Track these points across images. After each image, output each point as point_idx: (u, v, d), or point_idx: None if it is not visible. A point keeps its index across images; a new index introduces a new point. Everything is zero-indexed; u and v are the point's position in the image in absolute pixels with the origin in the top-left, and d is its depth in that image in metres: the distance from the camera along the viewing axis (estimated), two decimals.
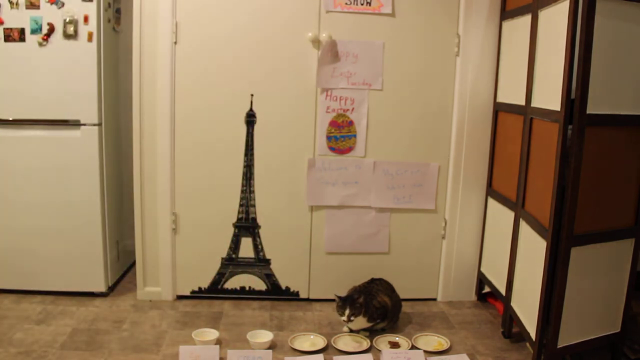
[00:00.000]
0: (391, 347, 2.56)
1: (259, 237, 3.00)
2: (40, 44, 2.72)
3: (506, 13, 2.82)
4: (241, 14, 2.79)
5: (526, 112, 2.51)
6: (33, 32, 2.70)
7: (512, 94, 2.70)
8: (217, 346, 2.45)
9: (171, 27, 2.77)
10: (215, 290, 3.04)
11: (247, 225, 2.98)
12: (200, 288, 3.04)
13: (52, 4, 2.68)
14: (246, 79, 2.84)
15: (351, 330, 2.67)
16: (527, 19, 2.53)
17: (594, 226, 2.22)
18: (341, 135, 2.92)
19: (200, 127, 2.87)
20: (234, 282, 3.04)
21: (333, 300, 2.67)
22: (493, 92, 2.93)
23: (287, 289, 3.06)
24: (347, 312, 2.54)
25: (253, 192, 2.95)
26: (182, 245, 2.99)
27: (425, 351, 2.51)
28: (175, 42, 2.80)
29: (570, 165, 2.11)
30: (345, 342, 2.60)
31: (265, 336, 2.57)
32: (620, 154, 2.23)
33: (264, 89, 2.85)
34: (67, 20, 2.69)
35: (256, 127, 2.89)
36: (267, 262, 3.03)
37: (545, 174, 2.28)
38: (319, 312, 2.95)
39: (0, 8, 2.67)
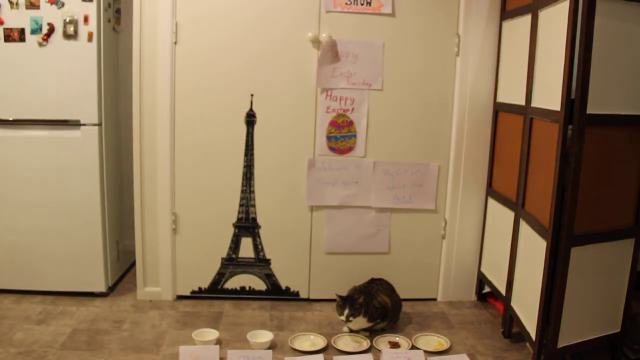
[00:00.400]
0: (391, 347, 2.56)
1: (259, 237, 3.00)
2: (40, 44, 2.72)
3: (506, 13, 2.82)
4: (241, 14, 2.79)
5: (526, 112, 2.51)
6: (33, 32, 2.70)
7: (512, 94, 2.70)
8: (217, 346, 2.45)
9: (171, 27, 2.77)
10: (215, 290, 3.04)
11: (247, 225, 2.98)
12: (200, 288, 3.04)
13: (52, 4, 2.68)
14: (246, 79, 2.84)
15: (351, 330, 2.67)
16: (527, 19, 2.53)
17: (594, 226, 2.22)
18: (341, 135, 2.92)
19: (200, 127, 2.87)
20: (234, 282, 3.04)
21: (333, 300, 2.67)
22: (493, 92, 2.93)
23: (287, 289, 3.06)
24: (346, 312, 2.54)
25: (253, 192, 2.95)
26: (182, 245, 2.99)
27: (425, 351, 2.51)
28: (176, 42, 2.80)
29: (570, 165, 2.11)
30: (345, 342, 2.60)
31: (265, 336, 2.57)
32: (620, 154, 2.23)
33: (264, 89, 2.85)
34: (67, 20, 2.69)
35: (256, 127, 2.89)
36: (267, 262, 3.03)
37: (545, 174, 2.28)
38: (319, 312, 2.95)
39: (0, 8, 2.67)
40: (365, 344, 2.57)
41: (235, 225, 2.98)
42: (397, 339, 2.62)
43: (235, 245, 3.00)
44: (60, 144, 2.82)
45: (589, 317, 2.33)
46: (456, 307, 3.05)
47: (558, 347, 2.24)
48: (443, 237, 3.09)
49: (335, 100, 2.88)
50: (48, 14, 2.69)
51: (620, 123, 2.18)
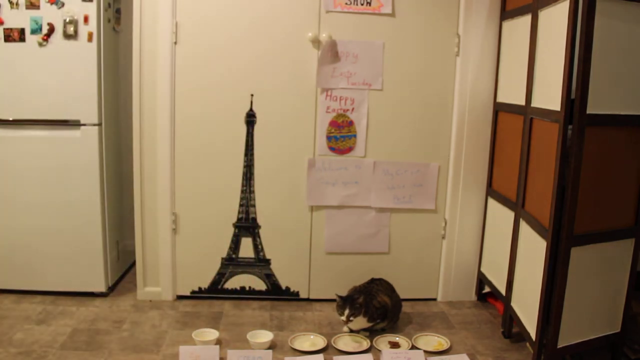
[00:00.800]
0: (391, 347, 2.56)
1: (259, 237, 3.00)
2: (40, 44, 2.72)
3: (506, 13, 2.82)
4: (241, 14, 2.79)
5: (526, 112, 2.51)
6: (33, 32, 2.70)
7: (512, 94, 2.70)
8: (217, 346, 2.44)
9: (171, 27, 2.77)
10: (215, 290, 3.04)
11: (247, 225, 2.98)
12: (200, 288, 3.04)
13: (52, 4, 2.68)
14: (246, 79, 2.84)
15: (351, 330, 2.67)
16: (527, 19, 2.53)
17: (594, 226, 2.22)
18: (341, 135, 2.92)
19: (200, 127, 2.87)
20: (234, 282, 3.04)
21: (333, 300, 2.67)
22: (493, 92, 2.93)
23: (287, 289, 3.06)
24: (346, 312, 2.54)
25: (253, 192, 2.95)
26: (182, 245, 2.99)
27: (425, 351, 2.51)
28: (176, 42, 2.80)
29: (570, 165, 2.11)
30: (345, 342, 2.60)
31: (265, 336, 2.57)
32: (620, 154, 2.23)
33: (264, 89, 2.85)
34: (67, 20, 2.69)
35: (256, 127, 2.89)
36: (267, 262, 3.03)
37: (545, 174, 2.28)
38: (319, 312, 2.95)
39: (0, 8, 2.67)
40: (365, 344, 2.57)
41: (235, 225, 2.98)
42: (397, 339, 2.62)
43: (235, 245, 3.00)
44: (60, 144, 2.82)
45: (589, 317, 2.33)
46: (456, 307, 3.05)
47: (558, 347, 2.24)
48: (443, 237, 3.09)
49: (335, 100, 2.88)
50: (48, 14, 2.69)
51: (620, 123, 2.18)
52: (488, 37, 2.89)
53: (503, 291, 2.73)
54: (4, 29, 2.69)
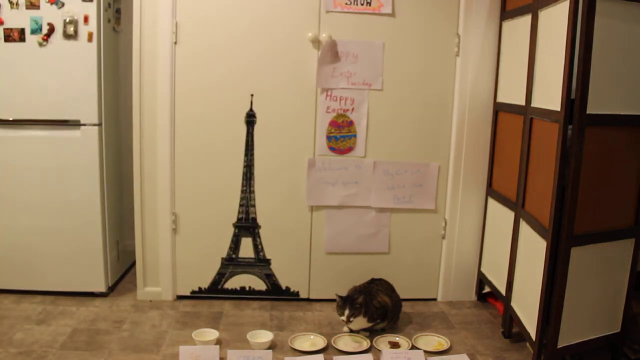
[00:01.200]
0: (391, 347, 2.56)
1: (259, 237, 3.00)
2: (40, 44, 2.72)
3: (506, 13, 2.82)
4: (241, 14, 2.79)
5: (526, 112, 2.51)
6: (33, 32, 2.70)
7: (512, 94, 2.70)
8: (217, 346, 2.44)
9: (171, 27, 2.77)
10: (215, 290, 3.04)
11: (247, 225, 2.98)
12: (200, 288, 3.04)
13: (52, 4, 2.68)
14: (246, 79, 2.84)
15: (351, 330, 2.67)
16: (527, 19, 2.53)
17: (594, 226, 2.22)
18: (341, 135, 2.92)
19: (200, 127, 2.87)
20: (234, 282, 3.04)
21: (333, 300, 2.67)
22: (493, 92, 2.93)
23: (287, 289, 3.06)
24: (346, 312, 2.54)
25: (253, 192, 2.95)
26: (182, 245, 2.99)
27: (425, 351, 2.51)
28: (176, 42, 2.80)
29: (570, 165, 2.11)
30: (345, 342, 2.60)
31: (265, 336, 2.57)
32: (620, 154, 2.23)
33: (264, 89, 2.85)
34: (67, 20, 2.69)
35: (256, 127, 2.89)
36: (267, 262, 3.03)
37: (545, 174, 2.28)
38: (319, 312, 2.95)
39: (0, 8, 2.67)
40: (365, 344, 2.57)
41: (235, 225, 2.98)
42: (397, 339, 2.62)
43: (235, 245, 3.00)
44: (60, 144, 2.82)
45: (589, 317, 2.33)
46: (456, 307, 3.05)
47: (558, 347, 2.24)
48: (443, 237, 3.09)
49: (335, 100, 2.88)
50: (48, 14, 2.69)
51: (620, 123, 2.18)
52: (488, 37, 2.89)
53: (503, 291, 2.73)
54: (4, 29, 2.69)
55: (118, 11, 3.03)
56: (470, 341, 2.67)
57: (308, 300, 3.08)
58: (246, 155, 2.91)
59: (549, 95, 2.26)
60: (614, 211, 2.28)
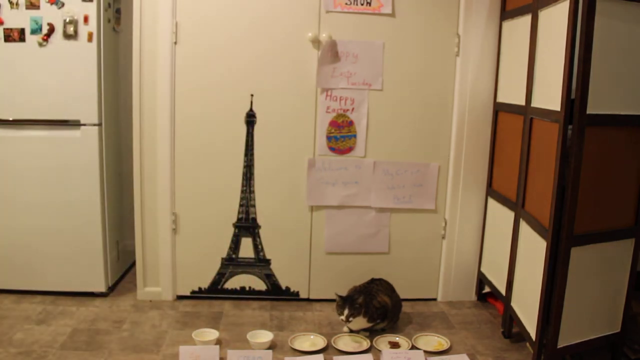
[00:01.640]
0: (391, 347, 2.56)
1: (259, 237, 3.00)
2: (40, 44, 2.72)
3: (506, 13, 2.82)
4: (241, 14, 2.79)
5: (526, 112, 2.51)
6: (33, 32, 2.70)
7: (512, 94, 2.70)
8: (217, 346, 2.45)
9: (171, 27, 2.77)
10: (215, 290, 3.04)
11: (247, 225, 2.98)
12: (200, 288, 3.04)
13: (52, 4, 2.68)
14: (246, 79, 2.84)
15: (351, 330, 2.67)
16: (527, 19, 2.53)
17: (594, 226, 2.22)
18: (341, 135, 2.92)
19: (200, 127, 2.87)
20: (234, 282, 3.04)
21: (333, 300, 2.67)
22: (493, 92, 2.93)
23: (287, 289, 3.06)
24: (346, 312, 2.54)
25: (253, 192, 2.95)
26: (182, 245, 2.99)
27: (425, 351, 2.51)
28: (176, 42, 2.80)
29: (570, 165, 2.11)
30: (345, 342, 2.60)
31: (265, 336, 2.57)
32: (620, 154, 2.23)
33: (264, 89, 2.85)
34: (67, 20, 2.69)
35: (256, 127, 2.89)
36: (267, 262, 3.03)
37: (545, 174, 2.28)
38: (319, 312, 2.95)
39: (0, 8, 2.67)
40: (365, 344, 2.57)
41: (235, 225, 2.98)
42: (397, 339, 2.62)
43: (235, 245, 3.00)
44: (60, 144, 2.82)
45: (589, 317, 2.33)
46: (456, 307, 3.05)
47: (558, 347, 2.24)
48: (443, 237, 3.09)
49: (335, 100, 2.88)
50: (48, 14, 2.69)
51: (620, 123, 2.18)
52: (488, 37, 2.89)
53: (503, 291, 2.73)
54: (4, 29, 2.69)
55: (118, 11, 3.03)
56: (470, 341, 2.67)
57: (308, 300, 3.08)
58: (246, 155, 2.91)
59: (549, 95, 2.26)
60: (614, 211, 2.28)
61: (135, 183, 2.92)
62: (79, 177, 2.85)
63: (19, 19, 2.69)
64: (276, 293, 3.06)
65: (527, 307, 2.45)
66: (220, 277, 3.03)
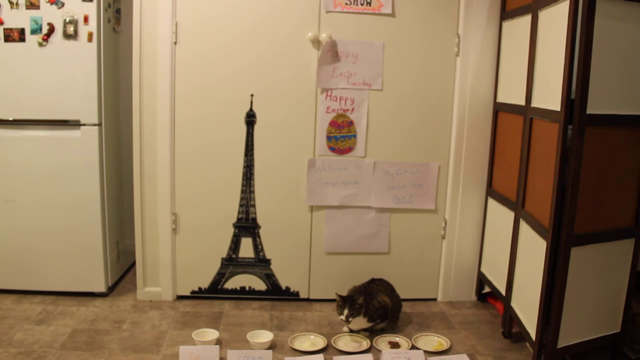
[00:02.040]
0: (391, 347, 2.56)
1: (259, 237, 3.00)
2: (40, 44, 2.72)
3: (506, 13, 2.82)
4: (241, 14, 2.79)
5: (526, 112, 2.51)
6: (33, 32, 2.70)
7: (512, 94, 2.70)
8: (217, 346, 2.45)
9: (171, 27, 2.77)
10: (215, 290, 3.04)
11: (247, 225, 2.98)
12: (200, 288, 3.04)
13: (52, 4, 2.68)
14: (246, 79, 2.84)
15: (351, 330, 2.67)
16: (527, 19, 2.53)
17: (594, 226, 2.22)
18: (341, 135, 2.92)
19: (200, 128, 2.87)
20: (234, 282, 3.04)
21: (333, 300, 2.67)
22: (493, 92, 2.93)
23: (287, 289, 3.06)
24: (345, 312, 2.54)
25: (253, 192, 2.95)
26: (182, 245, 2.99)
27: (425, 351, 2.51)
28: (176, 42, 2.80)
29: (570, 165, 2.11)
30: (345, 342, 2.60)
31: (265, 336, 2.57)
32: (620, 154, 2.23)
33: (264, 89, 2.85)
34: (67, 20, 2.69)
35: (256, 127, 2.89)
36: (267, 262, 3.03)
37: (545, 174, 2.28)
38: (319, 312, 2.95)
39: (0, 8, 2.67)
40: (365, 344, 2.57)
41: (235, 225, 2.98)
42: (397, 339, 2.62)
43: (235, 245, 3.00)
44: (60, 144, 2.82)
45: (589, 317, 2.33)
46: (456, 307, 3.05)
47: (558, 347, 2.24)
48: (443, 237, 3.09)
49: (335, 100, 2.88)
50: (48, 14, 2.69)
51: (620, 123, 2.18)
52: (488, 37, 2.89)
53: (503, 291, 2.73)
54: (4, 29, 2.69)
55: (118, 11, 3.04)
56: (470, 341, 2.67)
57: (308, 300, 3.08)
58: (246, 155, 2.91)
59: (549, 96, 2.26)
60: (614, 211, 2.28)
61: (135, 183, 2.92)
62: (79, 177, 2.85)
63: (19, 19, 2.69)
64: (276, 293, 3.06)
65: (527, 307, 2.45)
66: (220, 277, 3.03)
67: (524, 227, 2.53)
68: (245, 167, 2.93)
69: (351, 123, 2.92)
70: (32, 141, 2.81)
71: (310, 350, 2.51)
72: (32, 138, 2.81)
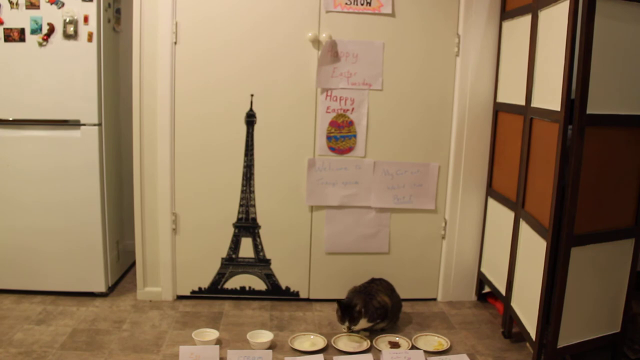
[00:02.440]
0: (391, 347, 2.56)
1: (259, 237, 3.00)
2: (40, 44, 2.72)
3: (506, 13, 2.82)
4: (241, 14, 2.79)
5: (526, 112, 2.51)
6: (33, 32, 2.70)
7: (512, 94, 2.70)
8: (217, 346, 2.45)
9: (171, 27, 2.77)
10: (215, 290, 3.04)
11: (247, 225, 2.98)
12: (200, 288, 3.04)
13: (52, 4, 2.68)
14: (246, 79, 2.84)
15: (351, 330, 2.66)
16: (527, 19, 2.53)
17: (594, 226, 2.22)
18: (341, 135, 2.92)
19: (200, 127, 2.87)
20: (234, 282, 3.04)
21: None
22: (493, 92, 2.93)
23: (287, 289, 3.06)
24: (346, 323, 2.55)
25: (253, 192, 2.95)
26: (182, 245, 2.99)
27: (425, 351, 2.51)
28: (175, 42, 2.80)
29: (570, 165, 2.11)
30: (345, 342, 2.60)
31: (265, 336, 2.57)
32: (620, 154, 2.23)
33: (264, 89, 2.85)
34: (67, 20, 2.69)
35: (256, 127, 2.89)
36: (267, 262, 3.03)
37: (545, 174, 2.28)
38: (319, 312, 2.95)
39: (0, 8, 2.67)
40: (365, 344, 2.57)
41: (235, 225, 2.98)
42: (397, 339, 2.62)
43: (235, 245, 3.00)
44: (60, 144, 2.82)
45: (589, 317, 2.33)
46: (456, 307, 3.05)
47: (558, 347, 2.24)
48: (443, 237, 3.09)
49: (335, 100, 2.88)
50: (48, 14, 2.69)
51: (620, 123, 2.18)
52: (488, 37, 2.89)
53: (503, 291, 2.73)
54: (4, 29, 2.69)
55: (118, 11, 3.03)
56: (470, 341, 2.67)
57: (308, 300, 3.08)
58: (246, 155, 2.91)
59: (549, 96, 2.26)
60: (614, 211, 2.28)
61: (135, 183, 2.92)
62: (79, 177, 2.85)
63: (19, 18, 2.69)
64: (276, 293, 3.06)
65: (527, 307, 2.45)
66: (220, 277, 3.03)
67: (524, 227, 2.53)
68: (245, 167, 2.93)
69: (351, 123, 2.92)
70: (32, 141, 2.81)
71: (310, 350, 2.51)
72: (32, 138, 2.81)
